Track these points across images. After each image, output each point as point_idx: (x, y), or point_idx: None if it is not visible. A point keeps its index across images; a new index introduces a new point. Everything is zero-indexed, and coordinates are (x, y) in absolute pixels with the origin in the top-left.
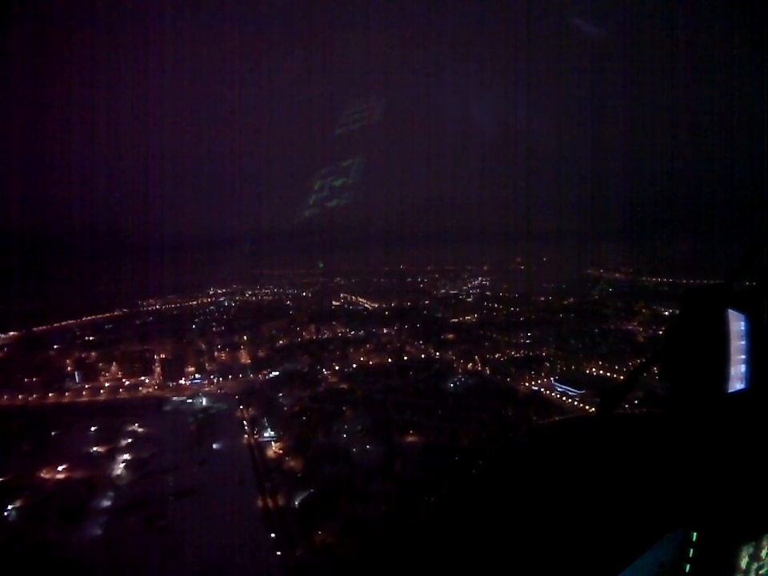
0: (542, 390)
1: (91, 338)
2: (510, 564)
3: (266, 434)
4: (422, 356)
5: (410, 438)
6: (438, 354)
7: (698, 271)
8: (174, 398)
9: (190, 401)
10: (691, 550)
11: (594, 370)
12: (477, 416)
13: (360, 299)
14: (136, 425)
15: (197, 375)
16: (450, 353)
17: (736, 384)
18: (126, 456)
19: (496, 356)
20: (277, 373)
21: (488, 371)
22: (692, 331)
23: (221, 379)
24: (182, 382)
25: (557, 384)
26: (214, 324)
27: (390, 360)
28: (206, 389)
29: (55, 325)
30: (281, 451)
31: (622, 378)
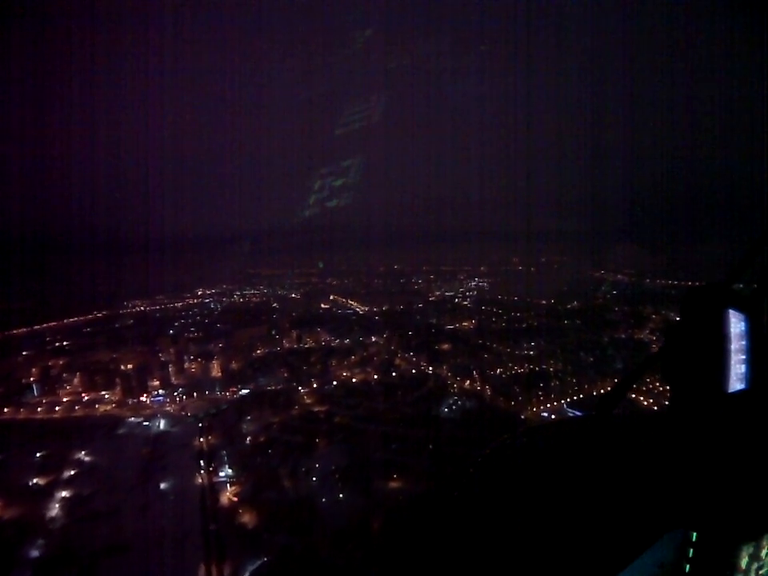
0: (553, 416)
1: (64, 343)
2: (509, 565)
3: (222, 473)
4: (413, 371)
5: (394, 484)
6: (431, 368)
7: (703, 273)
8: (131, 419)
9: (146, 423)
10: (691, 550)
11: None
12: (476, 454)
13: (350, 302)
14: (83, 452)
15: (160, 391)
16: (444, 367)
17: (736, 384)
18: (66, 493)
19: (497, 371)
20: (247, 390)
21: (488, 391)
22: (692, 331)
23: (185, 397)
24: (144, 399)
25: (569, 410)
26: (192, 329)
27: (376, 376)
28: (168, 408)
29: (35, 327)
30: (236, 498)
31: (645, 402)
